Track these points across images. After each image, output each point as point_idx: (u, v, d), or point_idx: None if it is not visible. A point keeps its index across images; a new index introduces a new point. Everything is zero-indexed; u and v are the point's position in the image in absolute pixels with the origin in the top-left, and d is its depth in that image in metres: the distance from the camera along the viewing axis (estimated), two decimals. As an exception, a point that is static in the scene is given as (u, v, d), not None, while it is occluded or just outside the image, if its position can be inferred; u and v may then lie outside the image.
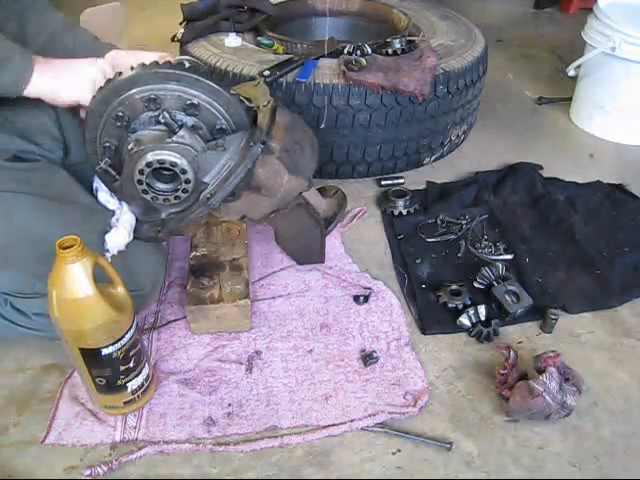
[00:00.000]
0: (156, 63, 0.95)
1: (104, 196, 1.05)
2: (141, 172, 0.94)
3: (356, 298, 1.24)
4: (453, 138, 1.72)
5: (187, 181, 0.95)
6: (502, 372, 1.04)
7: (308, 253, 1.32)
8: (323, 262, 1.33)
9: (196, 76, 0.93)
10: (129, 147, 0.95)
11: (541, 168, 1.69)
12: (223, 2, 1.69)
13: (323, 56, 1.54)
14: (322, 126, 1.47)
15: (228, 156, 0.97)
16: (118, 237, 0.99)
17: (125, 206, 1.04)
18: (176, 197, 0.98)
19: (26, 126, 1.04)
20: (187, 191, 0.97)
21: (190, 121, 0.96)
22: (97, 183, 1.06)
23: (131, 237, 1.01)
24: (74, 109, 1.14)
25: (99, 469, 0.92)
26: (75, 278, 0.83)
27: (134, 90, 0.93)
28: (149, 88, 0.93)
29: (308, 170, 1.15)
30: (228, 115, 0.97)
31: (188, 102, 0.95)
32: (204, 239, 1.26)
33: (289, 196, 1.12)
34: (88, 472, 0.92)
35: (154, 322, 1.18)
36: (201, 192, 0.99)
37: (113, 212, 1.03)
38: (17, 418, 1.01)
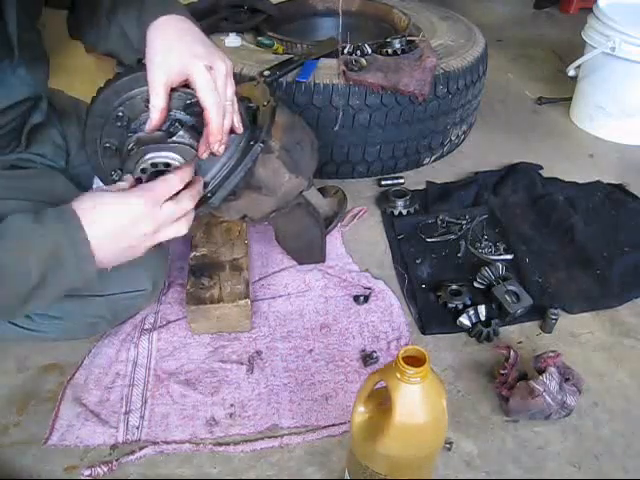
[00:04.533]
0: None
1: None
2: (142, 172, 0.94)
3: (356, 298, 1.24)
4: (453, 138, 1.72)
5: None
6: (502, 372, 1.04)
7: (309, 252, 1.32)
8: (324, 261, 1.33)
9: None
10: (129, 147, 0.95)
11: (541, 168, 1.69)
12: (223, 2, 1.69)
13: (327, 56, 1.54)
14: (336, 128, 1.46)
15: (228, 155, 0.97)
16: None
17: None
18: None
19: (32, 138, 1.04)
20: None
21: (190, 120, 0.96)
22: (97, 184, 1.06)
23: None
24: (77, 113, 1.14)
25: (99, 469, 0.92)
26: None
27: (134, 90, 0.93)
28: (149, 88, 0.93)
29: (308, 169, 1.15)
30: (228, 115, 0.97)
31: (188, 101, 0.95)
32: (204, 239, 1.26)
33: (289, 195, 1.12)
34: (88, 472, 0.92)
35: (154, 322, 1.18)
36: (201, 191, 0.99)
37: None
38: (17, 418, 1.01)
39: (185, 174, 0.82)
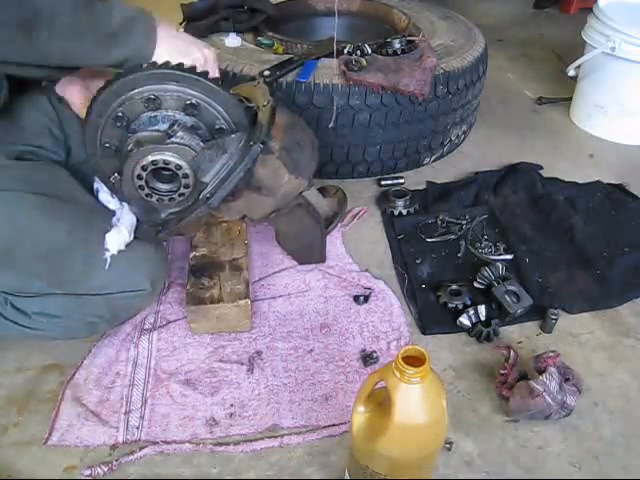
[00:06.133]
0: (155, 63, 0.95)
1: (105, 197, 1.05)
2: (142, 169, 0.94)
3: (356, 298, 1.24)
4: (453, 138, 1.72)
5: (186, 176, 0.95)
6: (502, 372, 1.04)
7: (309, 253, 1.32)
8: (324, 262, 1.33)
9: (195, 76, 0.93)
10: (129, 148, 0.95)
11: (541, 168, 1.69)
12: (223, 2, 1.69)
13: (327, 56, 1.54)
14: (331, 125, 1.46)
15: (228, 156, 0.97)
16: (119, 236, 0.99)
17: (126, 206, 1.04)
18: (176, 197, 0.98)
19: (28, 128, 1.04)
20: (188, 188, 0.97)
21: (189, 121, 0.96)
22: (98, 184, 1.06)
23: (132, 237, 1.02)
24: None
25: (99, 469, 0.92)
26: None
27: (134, 91, 0.93)
28: (149, 89, 0.93)
29: (308, 170, 1.15)
30: (227, 115, 0.97)
31: (187, 102, 0.94)
32: (204, 239, 1.26)
33: (289, 196, 1.12)
34: (88, 472, 0.92)
35: (154, 322, 1.18)
36: (201, 192, 0.99)
37: (114, 212, 1.03)
38: (17, 418, 1.01)
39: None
